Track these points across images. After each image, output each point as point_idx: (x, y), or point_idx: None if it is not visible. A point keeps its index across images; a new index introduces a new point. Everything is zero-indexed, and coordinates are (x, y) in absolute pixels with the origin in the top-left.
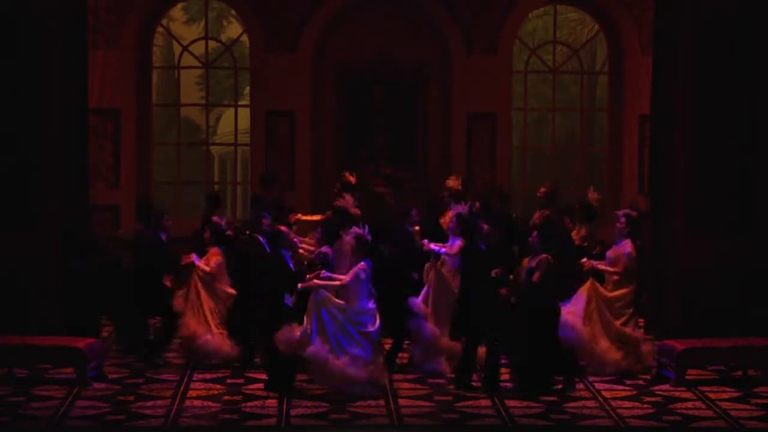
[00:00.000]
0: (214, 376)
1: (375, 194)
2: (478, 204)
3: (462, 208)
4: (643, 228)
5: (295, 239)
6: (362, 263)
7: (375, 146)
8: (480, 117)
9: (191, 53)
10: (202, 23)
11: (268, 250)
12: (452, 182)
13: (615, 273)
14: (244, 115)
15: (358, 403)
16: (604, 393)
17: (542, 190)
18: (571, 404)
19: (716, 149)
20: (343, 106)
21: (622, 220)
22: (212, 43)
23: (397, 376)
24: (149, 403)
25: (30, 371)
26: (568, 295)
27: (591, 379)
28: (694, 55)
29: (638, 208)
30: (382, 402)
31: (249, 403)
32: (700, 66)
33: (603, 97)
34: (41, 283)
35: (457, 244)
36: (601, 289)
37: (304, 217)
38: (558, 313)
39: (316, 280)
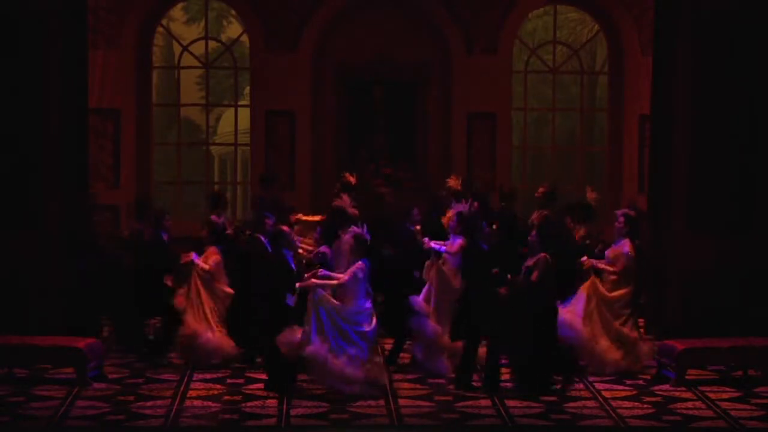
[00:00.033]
0: (214, 376)
1: (376, 194)
2: (476, 204)
3: (463, 207)
4: (642, 227)
5: (296, 239)
6: (360, 262)
7: (375, 146)
8: (480, 117)
9: (191, 53)
10: (202, 23)
11: (270, 250)
12: (452, 182)
13: (613, 272)
14: (244, 115)
15: (358, 403)
16: (604, 393)
17: (540, 190)
18: (571, 404)
19: (716, 149)
20: (343, 106)
21: (621, 219)
22: (212, 43)
23: (397, 376)
24: (149, 403)
25: (30, 371)
26: (569, 294)
27: (591, 379)
28: (694, 55)
29: (637, 207)
30: (382, 402)
31: (249, 403)
32: (700, 66)
33: (603, 97)
34: (41, 283)
35: (458, 242)
36: (602, 289)
37: (305, 218)
38: (556, 313)
39: (314, 279)
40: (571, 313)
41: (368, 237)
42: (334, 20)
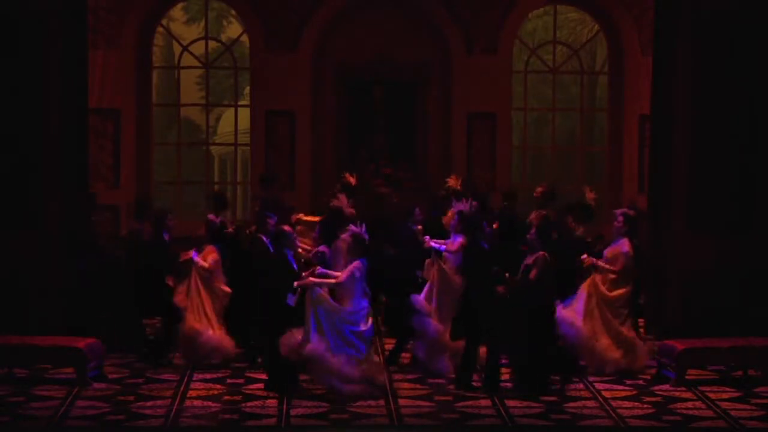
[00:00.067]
0: (214, 376)
1: (378, 195)
2: (475, 204)
3: (463, 206)
4: (641, 227)
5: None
6: (357, 262)
7: (375, 146)
8: (480, 117)
9: (191, 53)
10: (202, 23)
11: (272, 250)
12: (452, 182)
13: (612, 272)
14: (244, 115)
15: (358, 403)
16: (604, 393)
17: (539, 190)
18: (571, 404)
19: (716, 149)
20: (343, 106)
21: (620, 219)
22: (212, 43)
23: (397, 376)
24: (149, 403)
25: (30, 371)
26: (569, 293)
27: (591, 379)
28: (694, 55)
29: (637, 207)
30: (382, 402)
31: (249, 403)
32: (700, 66)
33: (603, 97)
34: (41, 283)
35: (458, 241)
36: (602, 288)
37: (306, 218)
38: (554, 311)
39: (311, 278)
40: (572, 310)
41: (366, 236)
42: (334, 20)
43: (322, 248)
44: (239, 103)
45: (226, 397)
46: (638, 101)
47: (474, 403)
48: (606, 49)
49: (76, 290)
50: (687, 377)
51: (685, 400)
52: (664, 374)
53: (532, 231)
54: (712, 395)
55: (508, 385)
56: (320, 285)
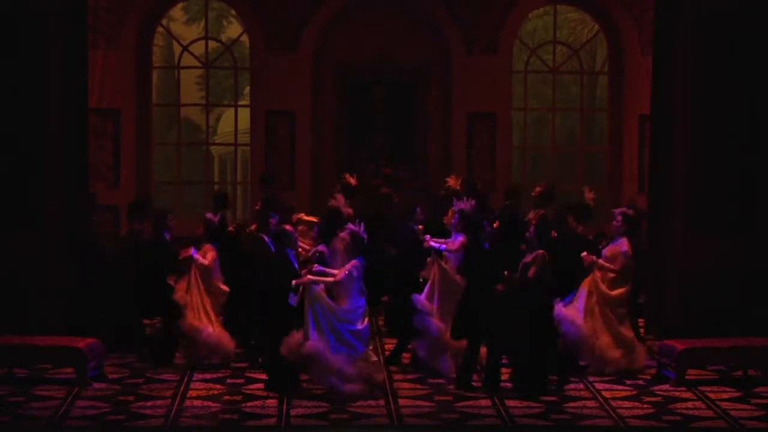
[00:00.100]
0: (214, 376)
1: (380, 195)
2: (474, 203)
3: (464, 205)
4: (642, 227)
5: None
6: (354, 261)
7: (375, 146)
8: (480, 117)
9: (191, 53)
10: (202, 23)
11: (273, 250)
12: (452, 182)
13: (612, 270)
14: (244, 115)
15: (358, 403)
16: (604, 393)
17: (537, 189)
18: (571, 404)
19: (716, 149)
20: (343, 106)
21: (619, 218)
22: (212, 43)
23: (397, 376)
24: (149, 403)
25: (30, 371)
26: (569, 292)
27: (591, 379)
28: (694, 55)
29: (637, 207)
30: (382, 402)
31: (249, 403)
32: (700, 66)
33: (603, 97)
34: (41, 283)
35: (459, 240)
36: (602, 286)
37: (307, 218)
38: (552, 310)
39: (309, 276)
40: (572, 308)
41: (365, 236)
42: (334, 20)
43: (321, 248)
44: (239, 103)
45: (226, 397)
46: (638, 101)
47: (474, 403)
48: (606, 49)
49: (76, 290)
50: (687, 377)
51: (685, 400)
52: (664, 374)
53: (531, 229)
54: (712, 395)
55: (508, 385)
56: (317, 283)
